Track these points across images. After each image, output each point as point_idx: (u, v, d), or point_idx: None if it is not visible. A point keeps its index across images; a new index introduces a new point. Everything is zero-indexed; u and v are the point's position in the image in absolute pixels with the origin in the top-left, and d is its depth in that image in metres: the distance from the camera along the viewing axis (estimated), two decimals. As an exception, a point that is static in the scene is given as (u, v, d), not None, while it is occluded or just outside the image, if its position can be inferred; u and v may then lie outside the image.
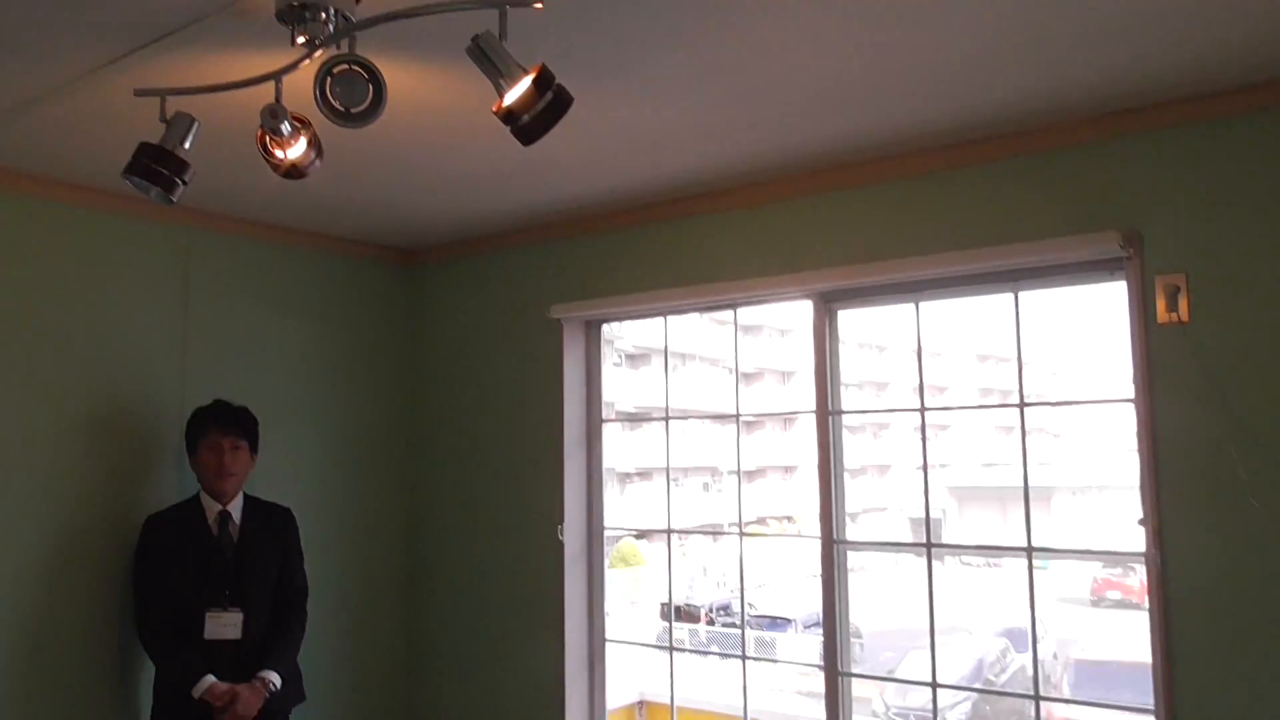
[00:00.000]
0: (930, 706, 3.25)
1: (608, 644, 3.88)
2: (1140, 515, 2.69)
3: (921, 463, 3.30)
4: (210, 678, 3.05)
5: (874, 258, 3.13)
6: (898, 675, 8.05)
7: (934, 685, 3.18)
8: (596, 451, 3.96)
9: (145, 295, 3.51)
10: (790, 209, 3.33)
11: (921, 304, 3.18)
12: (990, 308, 3.23)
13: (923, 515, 3.41)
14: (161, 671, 3.16)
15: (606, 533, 3.94)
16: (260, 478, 3.69)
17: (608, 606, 3.91)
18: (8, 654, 3.09)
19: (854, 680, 3.31)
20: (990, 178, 2.96)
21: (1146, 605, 2.69)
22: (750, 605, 3.75)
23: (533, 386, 3.96)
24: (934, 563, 3.23)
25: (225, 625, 3.13)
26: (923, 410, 3.21)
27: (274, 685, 3.14)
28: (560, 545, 3.83)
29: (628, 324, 4.03)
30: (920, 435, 3.24)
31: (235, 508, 3.29)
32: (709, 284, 3.48)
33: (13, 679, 3.10)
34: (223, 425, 3.25)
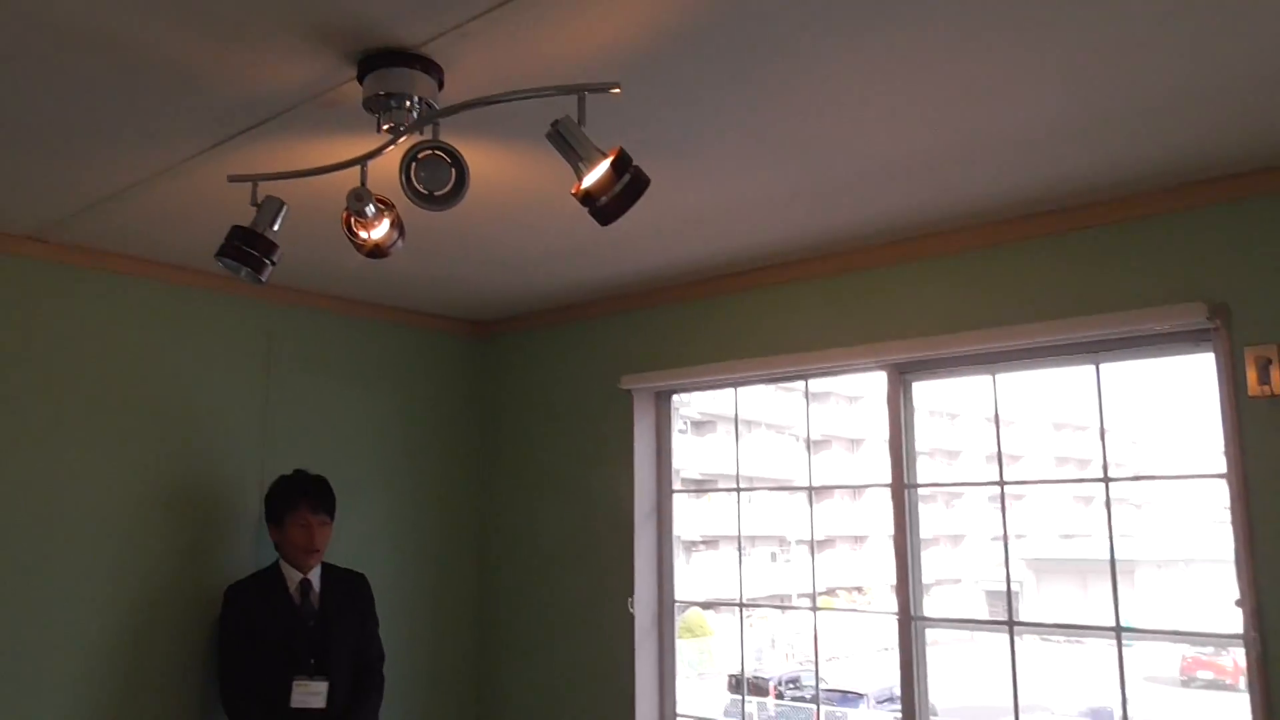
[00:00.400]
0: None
1: (679, 718, 3.82)
2: (1237, 595, 2.58)
3: (1001, 536, 3.21)
4: None
5: (950, 329, 3.10)
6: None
7: (1019, 771, 3.05)
8: (667, 522, 3.93)
9: (229, 368, 3.63)
10: (864, 280, 3.33)
11: (998, 375, 3.14)
12: (1067, 376, 3.17)
13: (998, 587, 3.32)
14: None
15: (676, 604, 3.90)
16: (335, 544, 3.74)
17: (679, 681, 3.85)
18: (91, 715, 3.16)
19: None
20: (1069, 248, 2.93)
21: (1242, 687, 2.57)
22: (821, 679, 3.67)
23: (603, 457, 3.97)
24: (1014, 639, 3.13)
25: (311, 694, 3.16)
26: (1001, 483, 3.14)
27: None
28: (631, 617, 3.79)
29: (685, 395, 4.03)
30: (1000, 508, 3.17)
31: (314, 576, 3.34)
32: (780, 355, 3.47)
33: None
34: (312, 502, 3.31)
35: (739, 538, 4.08)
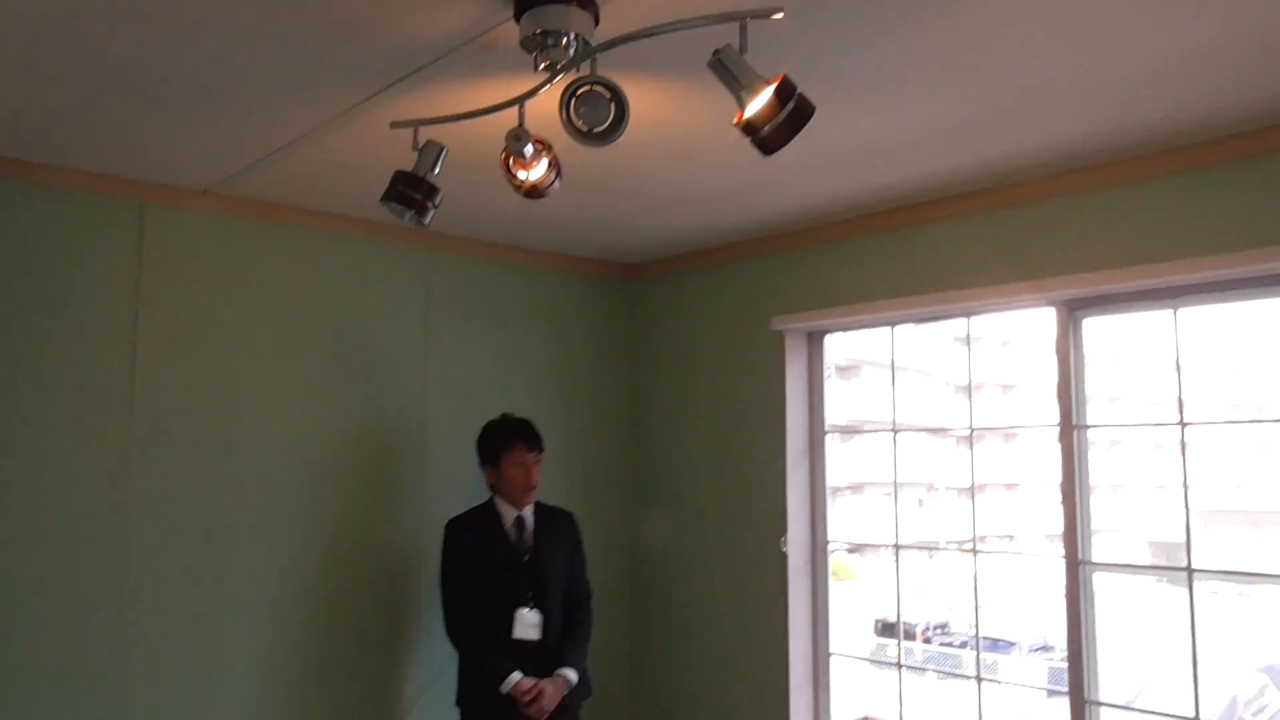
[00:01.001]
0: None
1: (831, 658, 3.81)
2: None
3: (1181, 481, 3.04)
4: (518, 674, 3.21)
5: (1126, 262, 2.92)
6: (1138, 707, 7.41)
7: (1197, 724, 2.92)
8: (819, 463, 3.89)
9: (391, 315, 3.76)
10: (1032, 212, 3.16)
11: (1179, 311, 2.94)
12: (1246, 311, 2.95)
13: (1163, 538, 3.14)
14: (468, 666, 3.32)
15: (829, 545, 3.87)
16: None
17: (832, 622, 3.83)
18: (295, 651, 3.39)
19: (1101, 710, 3.09)
20: (1259, 173, 2.70)
21: None
22: (970, 626, 3.56)
23: (755, 398, 3.95)
24: (1180, 589, 2.97)
25: (529, 626, 3.28)
26: (1182, 424, 2.97)
27: (572, 682, 3.27)
28: (784, 557, 3.79)
29: (837, 335, 3.94)
30: (1180, 452, 2.99)
31: (528, 513, 3.43)
32: (940, 293, 3.35)
33: (307, 671, 3.39)
34: (528, 441, 3.40)
35: (895, 481, 4.00)
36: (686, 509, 4.18)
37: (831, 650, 3.81)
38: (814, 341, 3.94)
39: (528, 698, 3.17)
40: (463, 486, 3.85)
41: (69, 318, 3.05)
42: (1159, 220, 2.88)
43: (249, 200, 3.39)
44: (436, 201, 2.27)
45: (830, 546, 3.89)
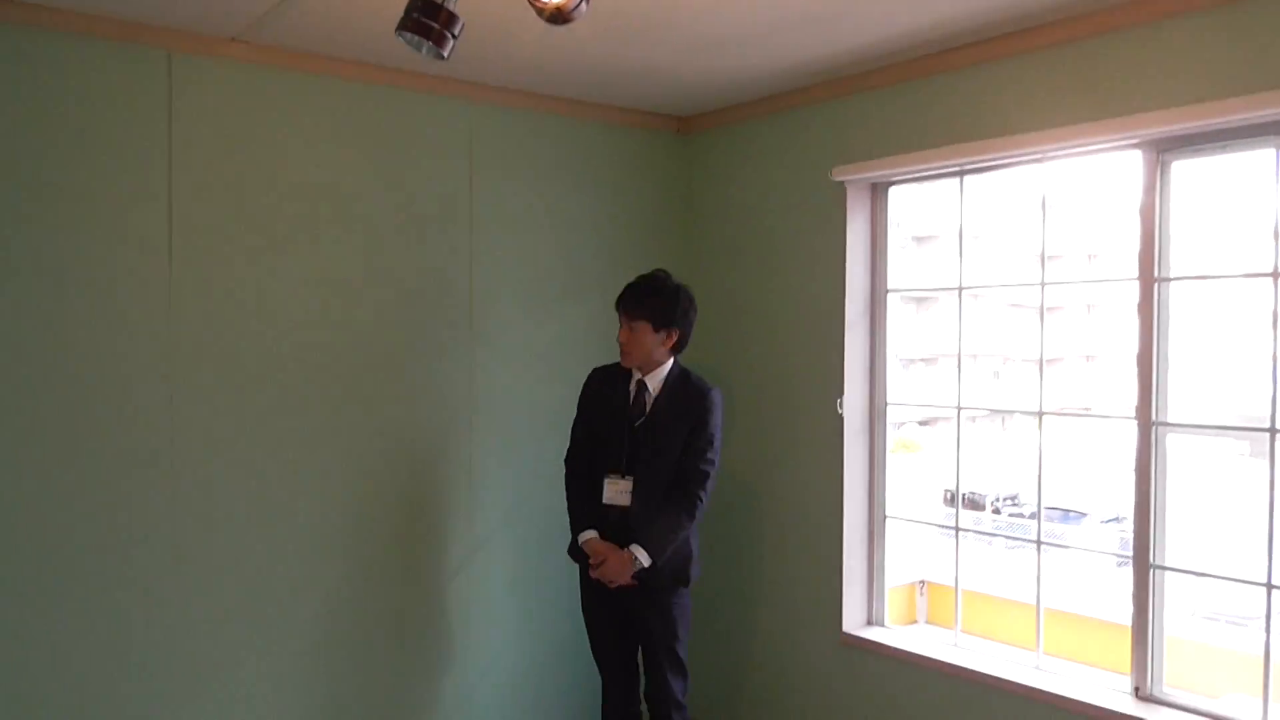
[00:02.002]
0: (1252, 611, 2.84)
1: (888, 520, 3.72)
2: None
3: (1273, 336, 2.81)
4: (592, 532, 3.22)
5: (1222, 94, 2.63)
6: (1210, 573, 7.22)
7: (1269, 586, 2.77)
8: (880, 323, 3.73)
9: (434, 170, 3.63)
10: (1113, 44, 2.87)
11: (1281, 148, 2.67)
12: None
13: (1247, 405, 2.93)
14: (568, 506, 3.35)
15: (889, 408, 3.74)
16: (542, 350, 3.79)
17: (890, 487, 3.73)
18: (340, 513, 3.42)
19: (1166, 575, 2.97)
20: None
21: None
22: (1041, 496, 3.42)
23: (814, 255, 3.77)
24: (1260, 462, 2.78)
25: (619, 492, 3.20)
26: (1276, 276, 2.72)
27: (640, 562, 3.12)
28: (840, 419, 3.67)
29: (913, 208, 3.71)
30: (1274, 306, 2.76)
31: (654, 380, 3.26)
32: (1013, 136, 3.10)
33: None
34: (624, 304, 3.25)
35: (959, 339, 3.81)
36: (741, 369, 4.07)
37: (887, 514, 3.73)
38: (878, 194, 3.71)
39: (593, 560, 3.17)
40: (510, 351, 3.80)
41: (105, 171, 2.98)
42: (1261, 45, 2.58)
43: (280, 49, 3.24)
44: (456, 31, 2.10)
45: (892, 414, 3.76)
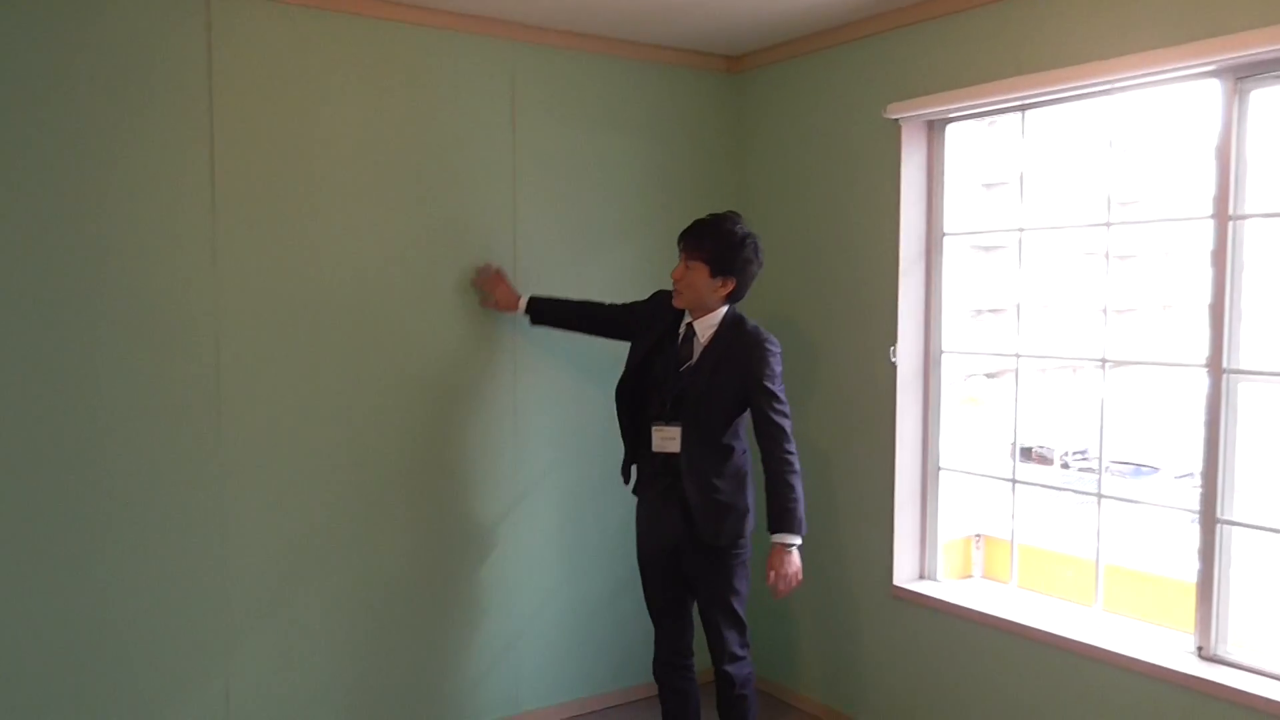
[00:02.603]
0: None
1: (941, 472, 3.61)
2: None
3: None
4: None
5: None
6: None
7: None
8: (936, 268, 3.58)
9: (477, 113, 3.56)
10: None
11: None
12: None
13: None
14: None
15: (944, 357, 3.60)
16: (588, 295, 3.71)
17: (945, 438, 3.61)
18: (386, 451, 3.41)
19: (1234, 531, 2.82)
20: None
21: None
22: (1109, 452, 3.27)
23: (867, 197, 3.63)
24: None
25: (666, 438, 3.06)
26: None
27: (794, 544, 2.98)
28: (893, 367, 3.55)
29: (981, 152, 3.53)
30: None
31: (703, 325, 3.07)
32: (1078, 66, 2.92)
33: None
34: (684, 241, 3.05)
35: (1019, 282, 3.65)
36: (791, 315, 3.96)
37: (941, 465, 3.61)
38: (934, 132, 3.55)
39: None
40: (553, 293, 3.74)
41: (147, 115, 2.97)
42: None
43: (319, -12, 3.19)
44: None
45: (949, 364, 3.62)
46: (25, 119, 2.80)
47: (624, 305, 3.41)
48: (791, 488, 2.98)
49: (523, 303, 3.51)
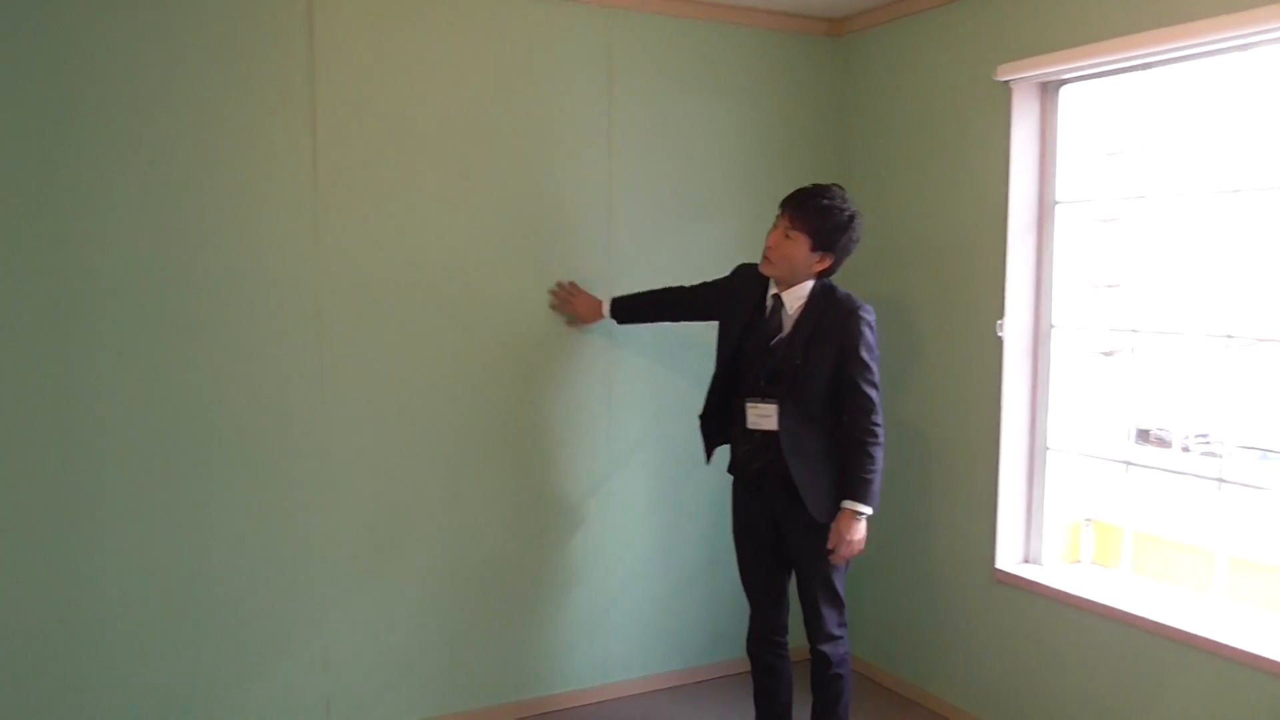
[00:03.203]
0: None
1: (1049, 452, 3.45)
2: None
3: None
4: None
5: None
6: None
7: None
8: (1047, 237, 3.41)
9: (572, 82, 3.53)
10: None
11: None
12: None
13: None
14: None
15: (1054, 330, 3.44)
16: (682, 266, 3.66)
17: (1055, 418, 3.45)
18: (484, 414, 3.44)
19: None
20: None
21: None
22: (1233, 435, 3.06)
23: (975, 163, 3.48)
24: None
25: (762, 415, 2.96)
26: None
27: (864, 513, 2.89)
28: (999, 342, 3.41)
29: (1107, 118, 3.34)
30: None
31: (791, 297, 2.95)
32: (1212, 19, 2.71)
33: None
34: (788, 207, 2.90)
35: (1140, 250, 3.45)
36: (893, 286, 3.83)
37: (1049, 445, 3.46)
38: (1048, 95, 3.37)
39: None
40: (650, 267, 3.70)
41: (249, 86, 3.03)
42: None
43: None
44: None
45: (1059, 339, 3.46)
46: (134, 94, 2.88)
47: (705, 285, 3.34)
48: (872, 459, 2.89)
49: (606, 308, 3.49)
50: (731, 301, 3.14)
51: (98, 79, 2.83)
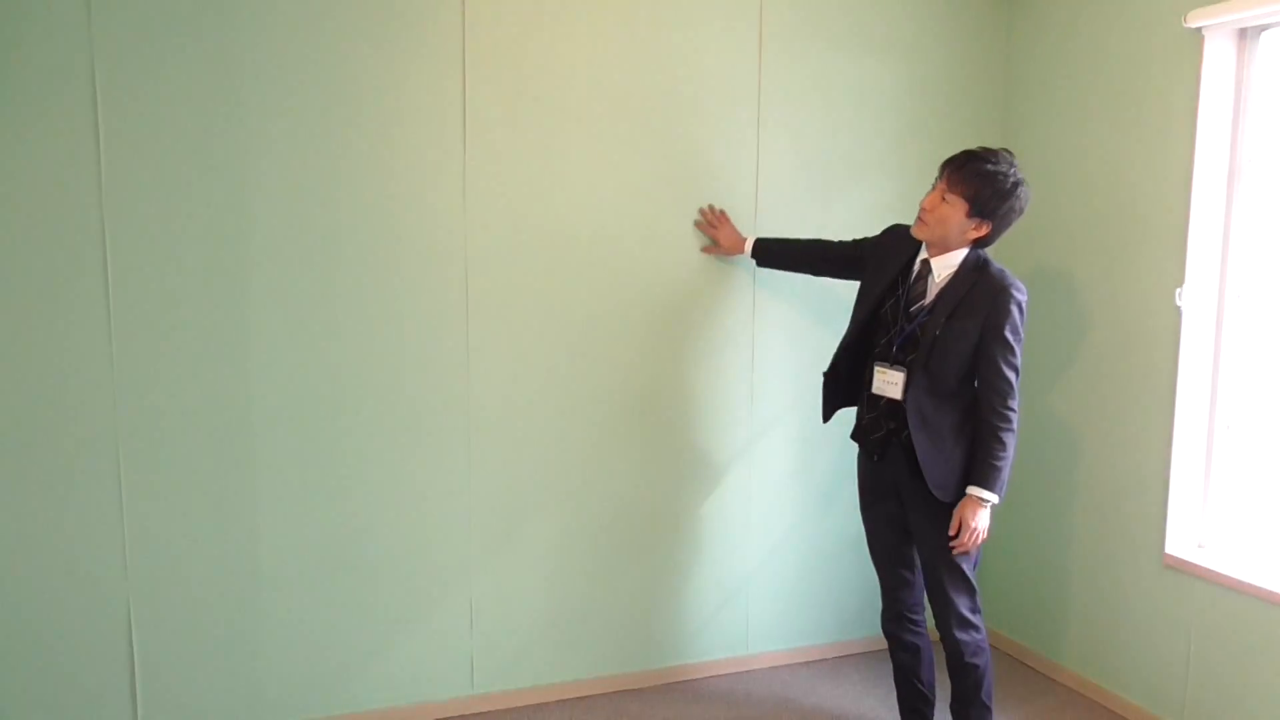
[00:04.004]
0: None
1: (1229, 431, 3.21)
2: None
3: None
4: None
5: None
6: None
7: None
8: (1237, 201, 3.14)
9: (722, 38, 3.41)
10: None
11: None
12: None
13: None
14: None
15: (1239, 300, 3.17)
16: (830, 233, 3.54)
17: (1244, 395, 3.20)
18: (626, 390, 3.41)
19: None
20: None
21: None
22: None
23: (1157, 119, 3.22)
24: None
25: (888, 382, 2.85)
26: None
27: (988, 501, 2.75)
28: (1178, 312, 3.17)
29: None
30: None
31: (941, 264, 2.81)
32: None
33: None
34: (949, 169, 2.74)
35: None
36: (1062, 250, 3.61)
37: (1229, 424, 3.20)
38: (1246, 42, 3.08)
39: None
40: (796, 232, 3.58)
41: (402, 48, 3.03)
42: None
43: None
44: None
45: (1245, 308, 3.19)
46: (285, 54, 2.91)
47: (853, 241, 3.21)
48: (1003, 445, 2.74)
49: (749, 245, 3.38)
50: (878, 261, 3.01)
51: (255, 45, 2.87)
